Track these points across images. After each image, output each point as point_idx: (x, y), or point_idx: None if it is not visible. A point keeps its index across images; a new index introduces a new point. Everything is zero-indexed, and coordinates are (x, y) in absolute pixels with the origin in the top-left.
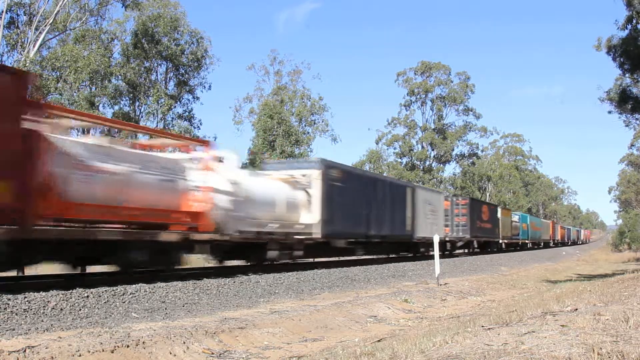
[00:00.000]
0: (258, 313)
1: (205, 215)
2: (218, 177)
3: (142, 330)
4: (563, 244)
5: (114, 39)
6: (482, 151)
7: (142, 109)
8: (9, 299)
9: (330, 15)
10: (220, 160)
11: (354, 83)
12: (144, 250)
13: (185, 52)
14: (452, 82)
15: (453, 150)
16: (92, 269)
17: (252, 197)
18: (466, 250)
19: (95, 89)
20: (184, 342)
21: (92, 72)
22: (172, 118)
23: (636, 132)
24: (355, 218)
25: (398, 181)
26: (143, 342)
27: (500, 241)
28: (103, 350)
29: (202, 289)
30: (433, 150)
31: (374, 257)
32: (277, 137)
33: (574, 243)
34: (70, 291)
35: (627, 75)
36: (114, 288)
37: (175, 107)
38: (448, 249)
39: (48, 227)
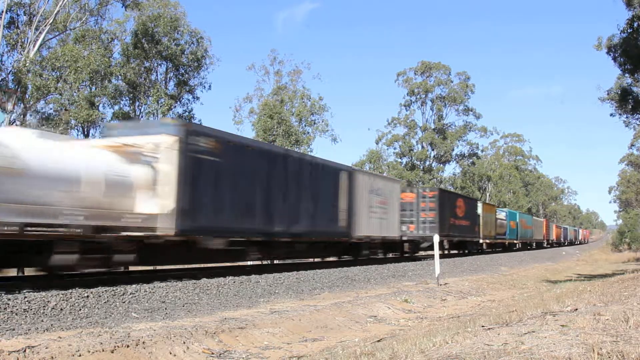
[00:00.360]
0: (258, 313)
1: None
2: None
3: (142, 330)
4: (559, 244)
5: (114, 39)
6: (482, 151)
7: (142, 109)
8: (9, 299)
9: (329, 15)
10: None
11: (354, 83)
12: None
13: (185, 52)
14: (452, 82)
15: (453, 150)
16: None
17: (30, 169)
18: (430, 252)
19: (95, 89)
20: (184, 342)
21: (92, 72)
22: (172, 118)
23: (636, 132)
24: (245, 208)
25: (327, 162)
26: (143, 342)
27: (481, 241)
28: (103, 350)
29: (202, 289)
30: (433, 150)
31: (285, 262)
32: (277, 137)
33: (571, 243)
34: (70, 291)
35: (627, 75)
36: (114, 288)
37: (175, 107)
38: (407, 250)
39: None
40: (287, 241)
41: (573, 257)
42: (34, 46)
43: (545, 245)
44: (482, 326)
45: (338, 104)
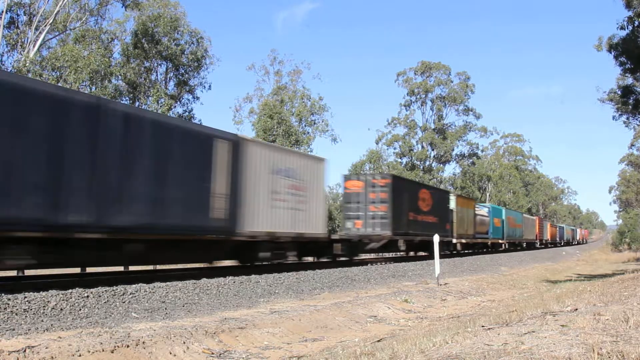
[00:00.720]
0: (258, 313)
1: None
2: None
3: (142, 330)
4: (554, 244)
5: (114, 39)
6: (482, 151)
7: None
8: (9, 299)
9: (329, 15)
10: None
11: (354, 83)
12: None
13: (185, 52)
14: (452, 82)
15: (453, 150)
16: (90, 268)
17: None
18: (387, 255)
19: (96, 89)
20: (184, 342)
21: (92, 72)
22: None
23: (636, 132)
24: None
25: (189, 125)
26: (143, 342)
27: (455, 240)
28: (103, 350)
29: (202, 289)
30: (433, 150)
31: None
32: (277, 137)
33: (568, 243)
34: (70, 291)
35: (628, 74)
36: (114, 288)
37: (175, 107)
38: (340, 252)
39: None
40: (99, 239)
41: (573, 257)
42: (34, 46)
43: (538, 245)
44: (482, 326)
45: (338, 104)
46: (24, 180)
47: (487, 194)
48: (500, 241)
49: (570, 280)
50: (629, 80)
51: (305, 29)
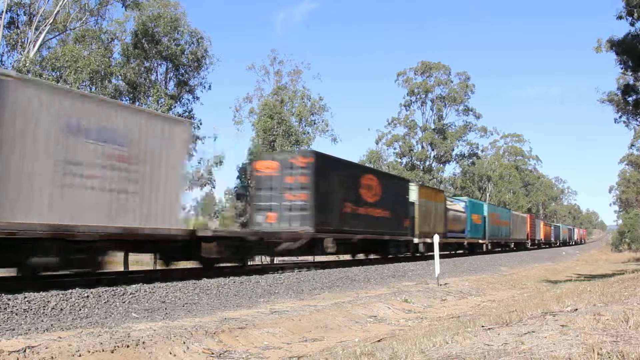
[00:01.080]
0: (258, 313)
1: None
2: None
3: (142, 330)
4: (548, 244)
5: (114, 39)
6: (482, 151)
7: None
8: (9, 299)
9: (329, 15)
10: None
11: (354, 83)
12: None
13: (185, 52)
14: (452, 82)
15: (453, 150)
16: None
17: None
18: (299, 259)
19: (96, 89)
20: (184, 342)
21: (92, 72)
22: None
23: (636, 132)
24: None
25: None
26: (143, 342)
27: (417, 240)
28: (103, 350)
29: (202, 289)
30: (433, 150)
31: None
32: (277, 137)
33: (565, 244)
34: (70, 291)
35: (629, 72)
36: (114, 288)
37: (175, 107)
38: (217, 256)
39: None
40: None
41: (573, 257)
42: (34, 46)
43: (529, 246)
44: (482, 326)
45: (338, 104)
46: None
47: (487, 194)
48: (480, 241)
49: (570, 280)
50: (630, 80)
51: (305, 29)
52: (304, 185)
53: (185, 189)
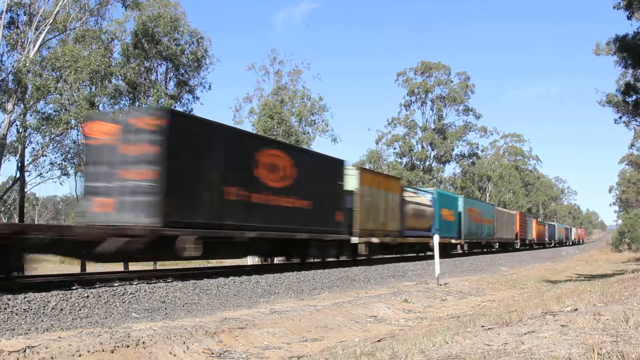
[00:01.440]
0: (258, 313)
1: None
2: None
3: (142, 330)
4: (542, 245)
5: (114, 39)
6: (482, 151)
7: None
8: (9, 299)
9: (328, 15)
10: None
11: (354, 83)
12: None
13: (185, 52)
14: (452, 82)
15: (453, 150)
16: (90, 268)
17: None
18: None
19: (95, 89)
20: (184, 342)
21: (92, 72)
22: None
23: (636, 132)
24: None
25: None
26: (143, 342)
27: (357, 240)
28: (103, 350)
29: (202, 289)
30: (433, 150)
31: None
32: (277, 137)
33: (561, 244)
34: (70, 291)
35: (629, 70)
36: (114, 288)
37: (175, 107)
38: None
39: None
40: None
41: (573, 257)
42: (34, 46)
43: (518, 246)
44: (482, 326)
45: (338, 104)
46: None
47: (487, 194)
48: (453, 241)
49: (570, 280)
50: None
51: (304, 29)
52: (150, 159)
53: None
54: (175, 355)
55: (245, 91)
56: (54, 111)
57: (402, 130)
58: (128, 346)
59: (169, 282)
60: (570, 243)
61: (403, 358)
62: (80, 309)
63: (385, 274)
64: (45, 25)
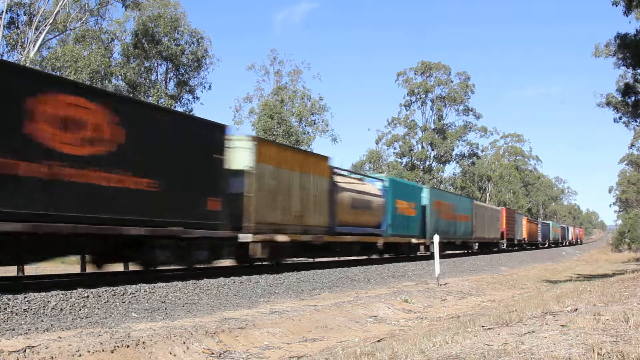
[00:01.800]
0: (258, 313)
1: None
2: None
3: (142, 330)
4: (534, 246)
5: (114, 39)
6: (482, 151)
7: None
8: (9, 299)
9: (328, 15)
10: None
11: (354, 83)
12: None
13: (185, 52)
14: (452, 82)
15: (453, 150)
16: (89, 269)
17: None
18: None
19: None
20: (184, 342)
21: (92, 72)
22: None
23: (636, 132)
24: None
25: None
26: (143, 342)
27: (248, 238)
28: (103, 350)
29: (202, 289)
30: (433, 150)
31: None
32: (277, 137)
33: (557, 245)
34: (70, 291)
35: (629, 70)
36: (114, 288)
37: (175, 107)
38: None
39: None
40: None
41: (573, 257)
42: (34, 46)
43: (504, 247)
44: (482, 326)
45: (338, 104)
46: None
47: (487, 194)
48: (414, 240)
49: (570, 280)
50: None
51: (304, 29)
52: None
53: None
54: (175, 355)
55: (245, 91)
56: None
57: (402, 130)
58: (128, 346)
59: (169, 282)
60: (567, 243)
61: (403, 358)
62: (80, 309)
63: (385, 274)
64: (45, 25)
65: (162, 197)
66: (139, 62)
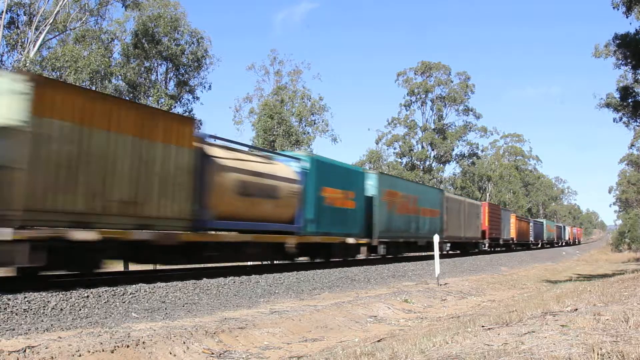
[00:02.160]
0: (258, 313)
1: None
2: None
3: (142, 330)
4: (525, 246)
5: (114, 39)
6: (482, 151)
7: None
8: (9, 299)
9: (328, 15)
10: None
11: (354, 83)
12: None
13: (185, 52)
14: (452, 82)
15: (453, 150)
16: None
17: None
18: None
19: (96, 89)
20: (184, 342)
21: (92, 72)
22: None
23: (636, 132)
24: None
25: None
26: (143, 342)
27: (8, 237)
28: (103, 350)
29: (202, 289)
30: (433, 150)
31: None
32: (277, 137)
33: (551, 245)
34: (70, 291)
35: (630, 68)
36: (114, 288)
37: (175, 107)
38: None
39: None
40: None
41: (573, 257)
42: (34, 46)
43: (485, 247)
44: (482, 326)
45: (338, 104)
46: None
47: (487, 194)
48: (349, 240)
49: (570, 280)
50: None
51: (304, 29)
52: None
53: None
54: (175, 355)
55: (245, 91)
56: None
57: (402, 130)
58: (128, 346)
59: (169, 282)
60: (564, 244)
61: (403, 358)
62: (80, 309)
63: (386, 274)
64: (45, 25)
65: None
66: (139, 62)
